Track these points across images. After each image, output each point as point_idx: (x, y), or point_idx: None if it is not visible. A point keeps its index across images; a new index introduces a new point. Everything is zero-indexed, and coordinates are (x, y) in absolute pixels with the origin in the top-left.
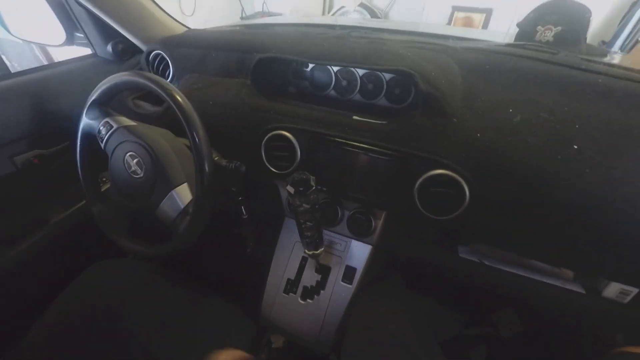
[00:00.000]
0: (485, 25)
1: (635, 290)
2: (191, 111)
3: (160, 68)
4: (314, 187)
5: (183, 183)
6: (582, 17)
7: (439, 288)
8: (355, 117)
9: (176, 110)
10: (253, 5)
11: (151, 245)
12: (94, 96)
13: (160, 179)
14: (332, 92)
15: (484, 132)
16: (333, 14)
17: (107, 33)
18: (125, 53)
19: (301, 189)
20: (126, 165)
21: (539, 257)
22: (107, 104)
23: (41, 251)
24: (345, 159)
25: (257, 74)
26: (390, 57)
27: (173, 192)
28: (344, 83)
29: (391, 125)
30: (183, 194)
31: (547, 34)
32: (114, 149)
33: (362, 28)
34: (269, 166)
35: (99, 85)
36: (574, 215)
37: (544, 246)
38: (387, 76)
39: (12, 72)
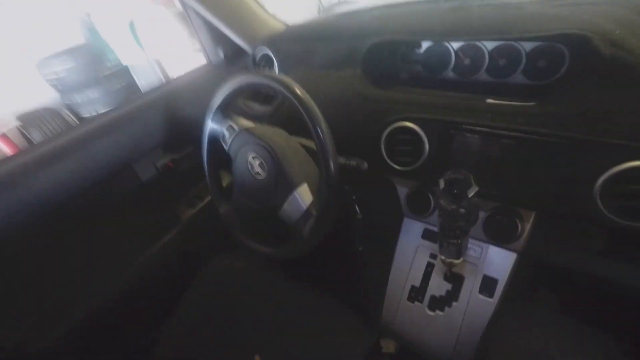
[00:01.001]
0: None
1: None
2: (313, 105)
3: (266, 67)
4: (476, 189)
5: (303, 184)
6: None
7: (601, 309)
8: (489, 101)
9: (298, 105)
10: None
11: (275, 246)
12: (217, 101)
13: (281, 179)
14: (450, 74)
15: None
16: None
17: (216, 39)
18: (234, 57)
19: (455, 191)
20: (250, 167)
21: None
22: (229, 107)
23: (174, 246)
24: (488, 150)
25: (368, 61)
26: (543, 20)
27: (295, 193)
28: (467, 62)
29: (552, 107)
30: (304, 195)
31: None
32: (238, 151)
33: None
34: (389, 162)
35: (220, 91)
36: None
37: None
38: (528, 47)
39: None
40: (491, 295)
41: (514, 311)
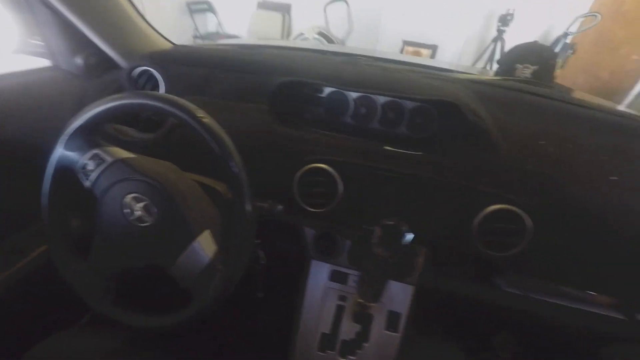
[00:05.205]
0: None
1: None
2: (225, 136)
3: (146, 88)
4: (412, 236)
5: (204, 231)
6: (553, 58)
7: (474, 325)
8: (387, 148)
9: (206, 135)
10: (206, 26)
11: (166, 315)
12: (79, 122)
13: (177, 227)
14: (349, 119)
15: (531, 164)
16: (293, 40)
17: (75, 43)
18: (97, 68)
19: (393, 236)
20: (126, 210)
21: (590, 286)
22: (96, 132)
23: None
24: (396, 194)
25: (275, 97)
26: (421, 86)
27: (195, 243)
28: (362, 110)
29: (443, 158)
30: (206, 245)
31: (525, 71)
32: (107, 189)
33: (359, 56)
34: (302, 204)
35: (87, 108)
36: (630, 245)
37: (599, 275)
38: (410, 105)
39: None
40: (396, 330)
41: (414, 342)
